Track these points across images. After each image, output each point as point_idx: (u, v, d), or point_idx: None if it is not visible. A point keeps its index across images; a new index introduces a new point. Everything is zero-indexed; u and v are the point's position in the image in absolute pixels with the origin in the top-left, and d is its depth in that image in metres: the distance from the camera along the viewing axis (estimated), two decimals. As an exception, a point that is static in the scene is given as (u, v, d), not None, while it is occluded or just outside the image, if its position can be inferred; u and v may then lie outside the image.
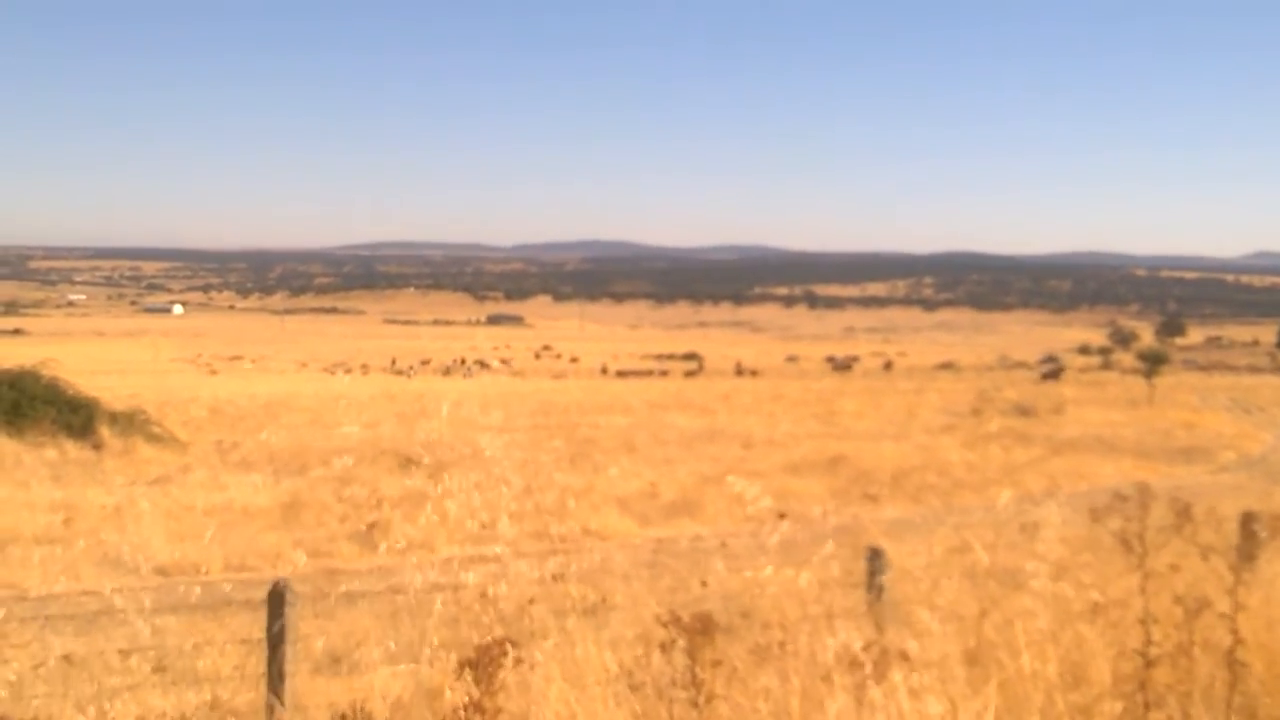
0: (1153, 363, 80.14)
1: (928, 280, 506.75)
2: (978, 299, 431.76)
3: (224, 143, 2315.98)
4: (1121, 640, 4.39)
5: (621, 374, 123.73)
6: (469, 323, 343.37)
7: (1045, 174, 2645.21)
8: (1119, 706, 4.16)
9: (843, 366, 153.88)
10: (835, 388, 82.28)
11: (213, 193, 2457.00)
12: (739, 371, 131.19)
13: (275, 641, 6.67)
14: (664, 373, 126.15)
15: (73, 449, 27.59)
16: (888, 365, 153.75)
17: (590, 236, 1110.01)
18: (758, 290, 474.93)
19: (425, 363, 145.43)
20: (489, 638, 4.12)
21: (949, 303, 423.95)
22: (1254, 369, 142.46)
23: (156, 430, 31.37)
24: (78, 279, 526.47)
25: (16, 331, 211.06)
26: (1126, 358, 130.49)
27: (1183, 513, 5.02)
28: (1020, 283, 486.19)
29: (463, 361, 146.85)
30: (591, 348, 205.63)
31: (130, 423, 30.65)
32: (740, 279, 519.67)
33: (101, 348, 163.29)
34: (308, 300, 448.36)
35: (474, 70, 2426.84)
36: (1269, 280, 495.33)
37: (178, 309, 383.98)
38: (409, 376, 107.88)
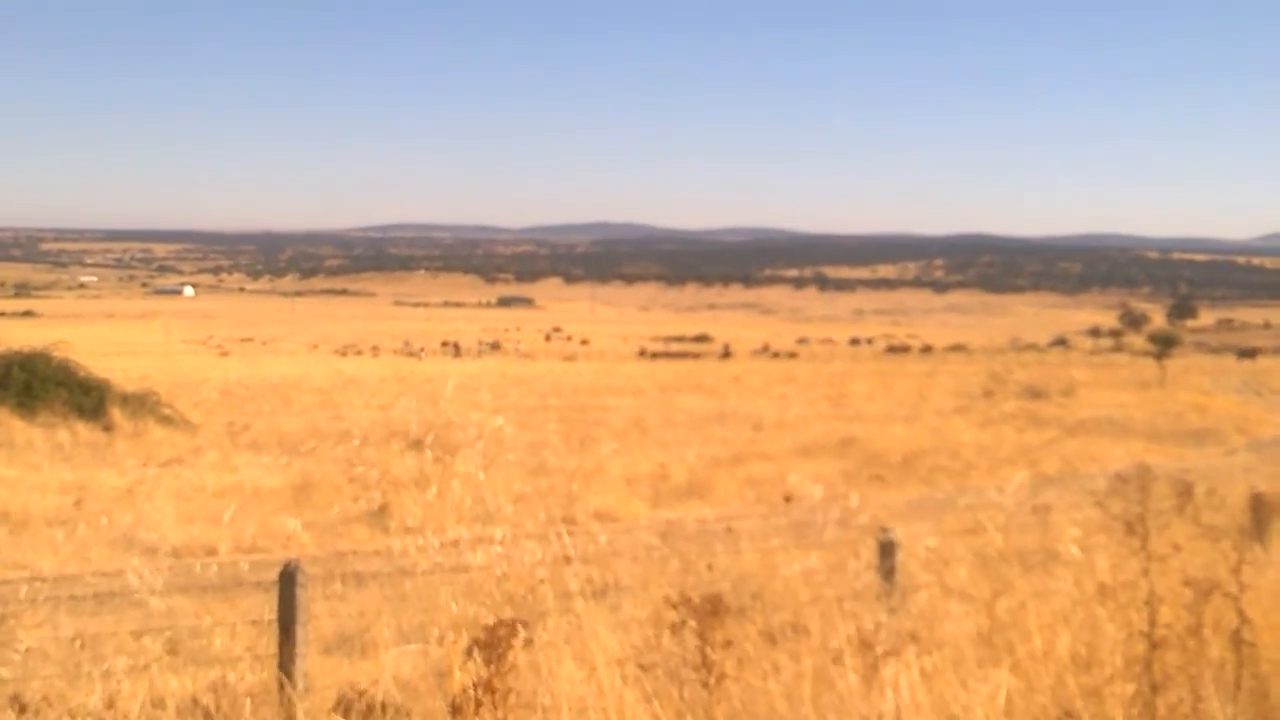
0: (1164, 345, 79.82)
1: (938, 262, 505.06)
2: (988, 281, 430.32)
3: (235, 124, 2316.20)
4: (1132, 622, 4.37)
5: (654, 355, 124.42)
6: (479, 305, 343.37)
7: (1056, 156, 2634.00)
8: (1129, 688, 4.14)
9: (900, 349, 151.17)
10: (847, 370, 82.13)
11: (223, 174, 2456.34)
12: (774, 354, 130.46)
13: (286, 622, 6.69)
14: (696, 355, 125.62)
15: (84, 430, 27.67)
16: (926, 349, 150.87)
17: (600, 218, 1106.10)
18: (768, 272, 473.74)
19: (444, 344, 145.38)
20: (498, 618, 4.12)
21: (959, 285, 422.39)
22: (1267, 351, 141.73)
23: (168, 412, 31.42)
24: (89, 261, 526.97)
25: (27, 313, 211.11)
26: (1137, 340, 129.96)
27: (1185, 493, 5.01)
28: (1031, 265, 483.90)
29: (470, 343, 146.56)
30: (602, 330, 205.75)
31: (141, 404, 30.70)
32: (750, 261, 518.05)
33: (112, 329, 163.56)
34: (318, 282, 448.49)
35: (484, 53, 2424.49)
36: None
37: (188, 291, 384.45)
38: (419, 358, 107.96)
